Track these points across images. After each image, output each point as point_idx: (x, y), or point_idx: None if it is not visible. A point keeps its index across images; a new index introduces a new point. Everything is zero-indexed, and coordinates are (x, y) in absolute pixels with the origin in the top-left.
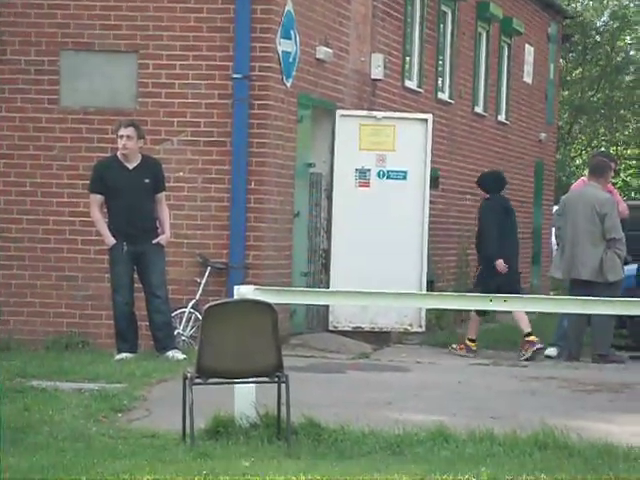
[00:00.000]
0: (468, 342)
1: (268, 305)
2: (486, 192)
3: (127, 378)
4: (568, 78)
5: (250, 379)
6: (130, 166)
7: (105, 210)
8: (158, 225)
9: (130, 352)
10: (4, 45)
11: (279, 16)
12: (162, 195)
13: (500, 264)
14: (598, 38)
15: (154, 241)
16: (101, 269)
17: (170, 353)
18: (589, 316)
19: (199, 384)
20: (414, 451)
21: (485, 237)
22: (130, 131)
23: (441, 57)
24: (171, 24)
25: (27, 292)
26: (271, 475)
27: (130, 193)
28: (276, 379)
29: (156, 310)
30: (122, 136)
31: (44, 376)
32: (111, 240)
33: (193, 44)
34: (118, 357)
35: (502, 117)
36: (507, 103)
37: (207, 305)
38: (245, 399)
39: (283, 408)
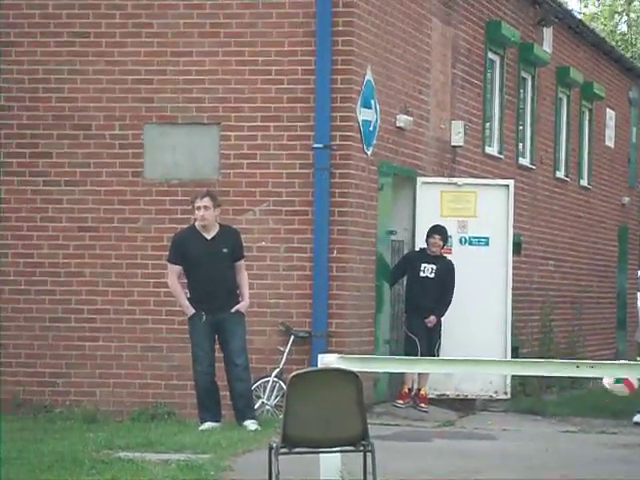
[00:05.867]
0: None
1: (353, 374)
2: None
3: (213, 448)
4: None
5: (336, 448)
6: (208, 236)
7: (185, 280)
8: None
9: (213, 421)
10: (89, 120)
11: (359, 85)
12: (241, 262)
13: None
14: None
15: (233, 309)
16: (185, 339)
17: (246, 422)
18: None
19: (285, 454)
20: None
21: None
22: (207, 201)
23: (521, 123)
24: (252, 95)
25: (113, 363)
26: None
27: (209, 263)
28: (362, 448)
29: (236, 378)
30: (199, 207)
31: (131, 447)
32: (190, 310)
33: (274, 115)
34: (203, 427)
35: (584, 182)
36: (589, 167)
37: (292, 374)
38: (331, 468)
39: (369, 477)
